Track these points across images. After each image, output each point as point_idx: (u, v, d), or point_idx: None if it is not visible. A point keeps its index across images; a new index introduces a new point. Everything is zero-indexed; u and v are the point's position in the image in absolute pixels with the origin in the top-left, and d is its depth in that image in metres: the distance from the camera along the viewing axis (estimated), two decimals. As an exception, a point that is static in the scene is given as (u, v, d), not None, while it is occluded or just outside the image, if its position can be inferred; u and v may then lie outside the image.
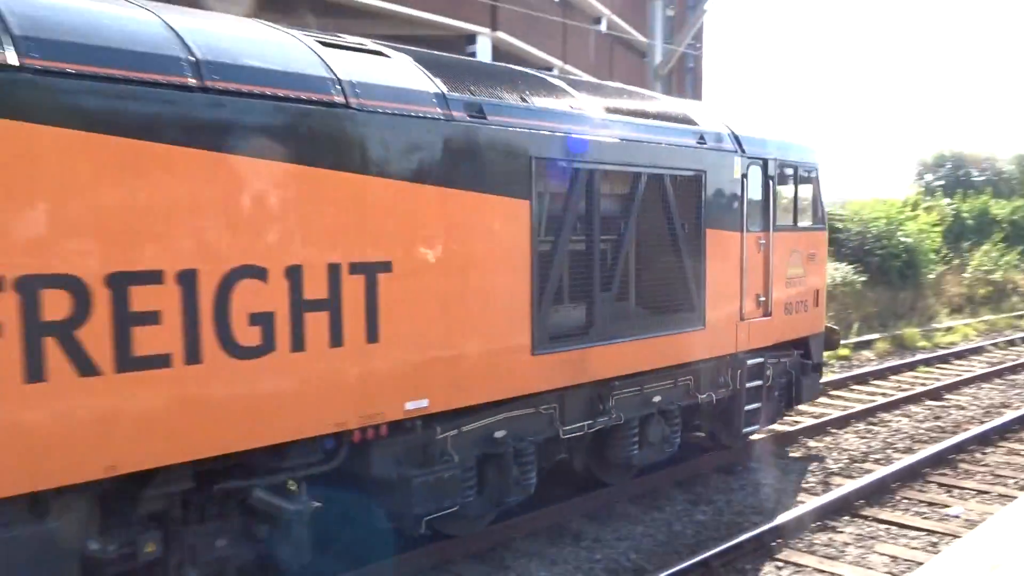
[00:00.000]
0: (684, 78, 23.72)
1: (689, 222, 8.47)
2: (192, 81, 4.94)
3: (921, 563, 6.38)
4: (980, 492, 9.22)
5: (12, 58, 4.27)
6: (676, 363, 8.48)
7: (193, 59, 5.01)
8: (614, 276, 7.67)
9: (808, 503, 8.47)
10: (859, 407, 12.61)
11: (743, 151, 9.34)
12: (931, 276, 24.17)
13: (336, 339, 5.60)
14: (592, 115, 7.65)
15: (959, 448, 10.61)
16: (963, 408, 13.08)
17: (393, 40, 7.65)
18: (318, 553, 5.99)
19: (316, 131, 5.46)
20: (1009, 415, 12.08)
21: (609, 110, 7.92)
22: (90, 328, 4.53)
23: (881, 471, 9.47)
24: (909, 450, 10.73)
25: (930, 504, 8.83)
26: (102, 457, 4.65)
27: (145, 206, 4.72)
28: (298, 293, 5.40)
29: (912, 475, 9.60)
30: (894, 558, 7.37)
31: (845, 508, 8.52)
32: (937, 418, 12.47)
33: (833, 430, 11.59)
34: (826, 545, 7.69)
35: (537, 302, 6.92)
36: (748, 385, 9.51)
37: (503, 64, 8.68)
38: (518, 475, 7.11)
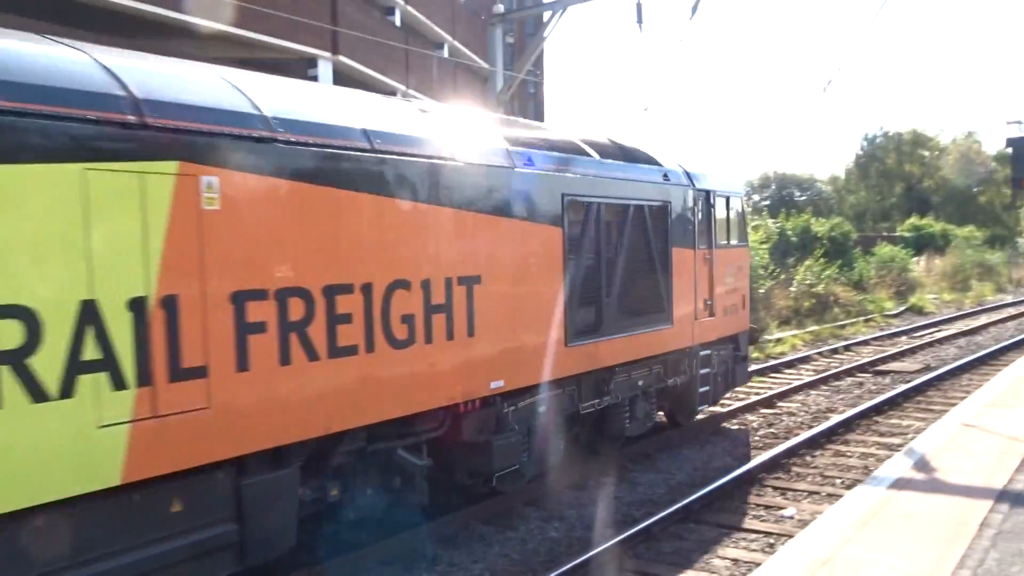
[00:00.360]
0: (527, 103, 24.18)
1: (660, 241, 10.72)
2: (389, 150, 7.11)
3: (759, 563, 6.68)
4: (811, 493, 9.77)
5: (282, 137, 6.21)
6: (654, 354, 10.79)
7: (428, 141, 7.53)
8: (613, 284, 9.80)
9: (655, 513, 8.71)
10: (700, 417, 13.10)
11: (693, 184, 11.68)
12: (761, 291, 25.53)
13: (450, 334, 7.54)
14: (596, 160, 9.87)
15: (791, 452, 11.21)
16: (794, 414, 13.85)
17: (231, 63, 7.48)
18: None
19: (440, 182, 7.49)
20: (835, 419, 12.88)
21: (604, 155, 10.07)
22: (315, 326, 6.34)
23: (721, 479, 9.87)
24: (745, 457, 11.25)
25: (767, 507, 9.27)
26: (322, 420, 6.47)
27: (345, 237, 6.60)
28: (428, 300, 7.29)
29: (750, 480, 10.08)
30: (735, 561, 7.70)
31: (688, 516, 8.83)
32: (771, 425, 13.14)
33: (677, 443, 12.00)
34: (673, 552, 7.94)
35: (568, 306, 9.01)
36: (701, 372, 11.84)
37: (536, 122, 11.35)
38: (555, 443, 9.28)
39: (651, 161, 11.08)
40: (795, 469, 10.73)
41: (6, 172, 4.67)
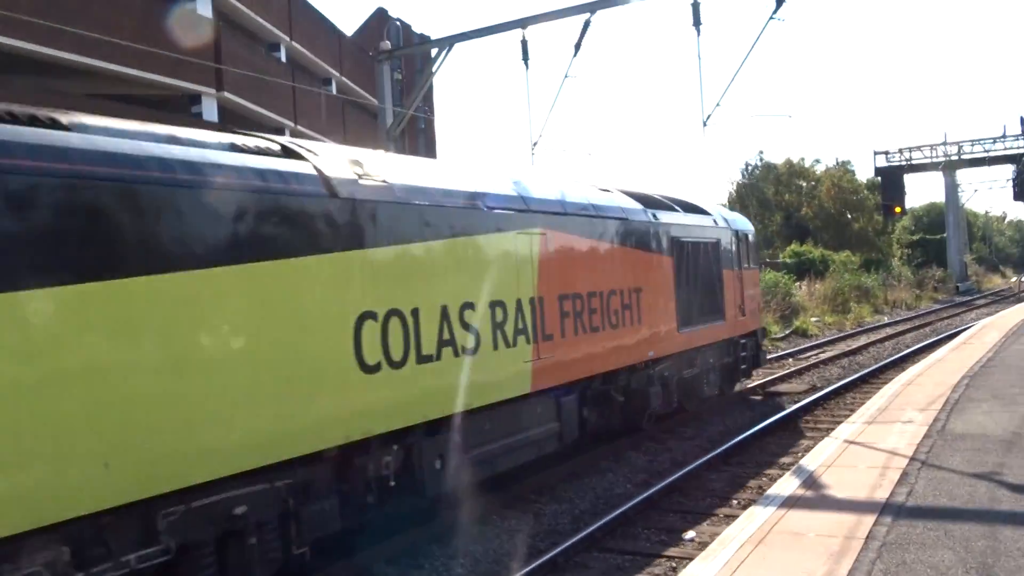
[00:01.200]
0: (417, 139, 24.23)
1: (716, 265, 15.89)
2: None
3: (663, 588, 6.77)
4: (710, 514, 9.99)
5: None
6: (717, 340, 15.89)
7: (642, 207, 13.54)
8: (695, 293, 14.77)
9: (558, 543, 8.73)
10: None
11: (729, 226, 17.03)
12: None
13: (632, 321, 12.50)
14: (682, 213, 15.13)
15: (690, 476, 11.44)
16: (692, 439, 14.14)
17: (110, 100, 7.25)
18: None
19: (623, 231, 12.60)
20: (730, 441, 13.22)
21: (685, 209, 15.39)
22: (585, 314, 11.17)
23: (623, 506, 9.98)
24: (645, 483, 11.41)
25: (668, 531, 9.42)
26: (587, 368, 11.22)
27: (596, 265, 12.01)
28: (622, 300, 12.22)
29: (651, 505, 10.23)
30: (640, 587, 7.77)
31: (593, 544, 8.88)
32: (670, 451, 13.39)
33: (580, 473, 12.07)
34: (578, 583, 7.96)
35: (677, 306, 14.06)
36: (740, 355, 17.02)
37: (653, 193, 15.19)
38: (671, 395, 14.27)
39: (707, 212, 16.39)
40: (694, 492, 10.95)
41: (522, 235, 10.11)
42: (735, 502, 10.42)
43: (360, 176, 7.94)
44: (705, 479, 11.56)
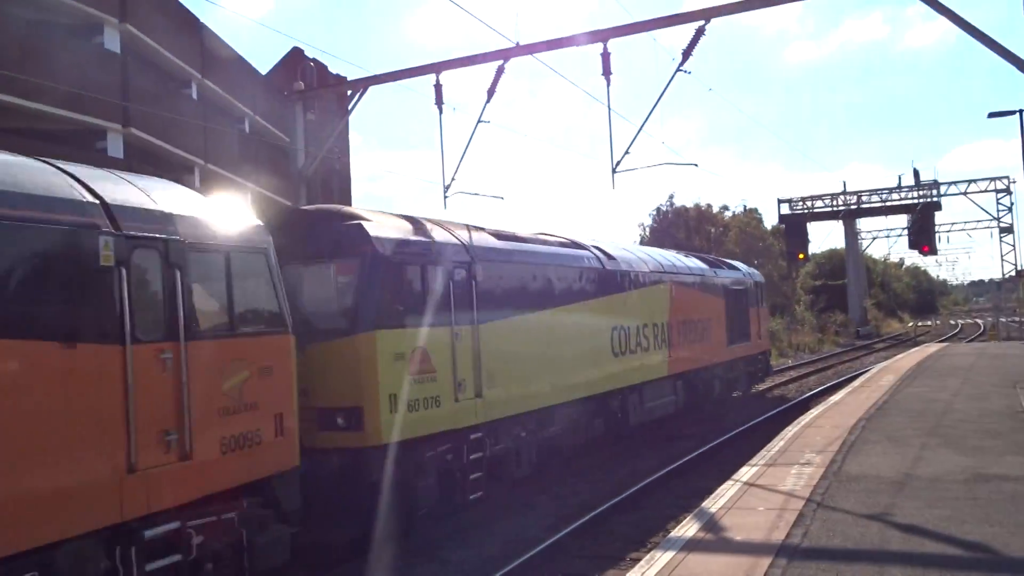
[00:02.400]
0: (331, 178, 24.06)
1: (745, 303, 24.66)
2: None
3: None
4: (616, 558, 10.04)
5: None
6: (748, 355, 24.82)
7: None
8: (734, 321, 23.32)
9: None
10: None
11: (751, 277, 26.46)
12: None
13: (708, 339, 21.60)
14: (726, 269, 24.67)
15: (598, 519, 11.50)
16: (600, 482, 14.22)
17: (6, 133, 7.04)
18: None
19: (702, 284, 22.11)
20: (638, 484, 13.34)
21: (727, 267, 25.00)
22: (688, 332, 20.44)
23: (530, 551, 9.94)
24: (554, 527, 11.40)
25: (573, 576, 9.42)
26: (689, 364, 20.52)
27: (695, 305, 21.27)
28: (702, 326, 21.12)
29: (559, 549, 10.23)
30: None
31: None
32: (577, 494, 13.43)
33: (492, 516, 12.00)
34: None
35: (727, 331, 22.80)
36: (759, 366, 26.23)
37: (713, 256, 27.00)
38: (721, 388, 22.87)
39: (739, 269, 25.91)
40: (600, 536, 10.99)
41: (662, 286, 19.13)
42: (639, 546, 10.50)
43: (614, 257, 17.17)
44: (613, 522, 11.62)
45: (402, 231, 11.11)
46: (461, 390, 11.37)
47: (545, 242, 14.88)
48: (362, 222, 10.52)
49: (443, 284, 11.19)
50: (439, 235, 11.68)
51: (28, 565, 5.87)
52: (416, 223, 11.65)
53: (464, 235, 12.26)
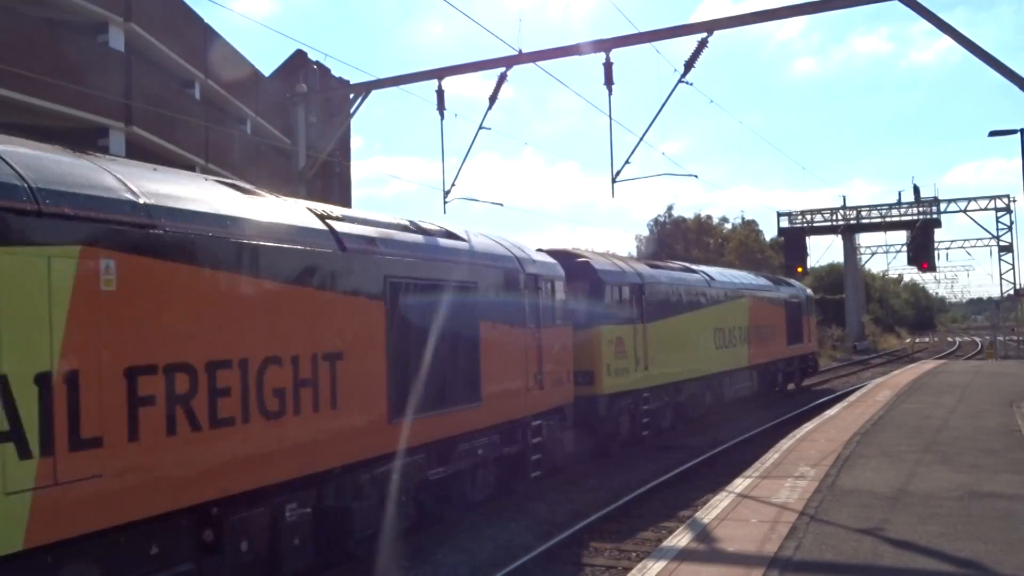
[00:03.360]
0: (331, 181, 24.09)
1: (799, 313, 31.31)
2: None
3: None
4: (608, 567, 10.03)
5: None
6: (801, 353, 31.65)
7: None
8: (792, 328, 30.13)
9: None
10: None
11: (804, 292, 33.25)
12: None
13: (774, 340, 28.63)
14: (774, 285, 30.29)
15: (589, 528, 11.49)
16: (594, 490, 14.22)
17: (11, 130, 7.05)
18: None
19: (770, 298, 29.16)
20: (631, 494, 13.33)
21: (775, 283, 30.74)
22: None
23: (522, 558, 9.93)
24: (547, 534, 11.38)
25: (564, 584, 9.41)
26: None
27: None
28: (769, 329, 28.00)
29: (550, 558, 10.21)
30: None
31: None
32: (572, 502, 13.42)
33: (479, 524, 12.00)
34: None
35: (786, 333, 29.70)
36: (809, 363, 32.99)
37: (775, 276, 33.81)
38: (782, 378, 30.21)
39: (794, 285, 31.76)
40: (593, 544, 10.98)
41: (742, 300, 26.08)
42: (633, 555, 10.49)
43: (715, 278, 23.70)
44: (606, 531, 11.60)
45: (607, 265, 17.94)
46: (638, 365, 17.97)
47: (676, 268, 22.43)
48: (589, 260, 17.34)
49: (628, 298, 18.04)
50: (625, 267, 18.69)
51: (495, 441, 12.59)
52: (611, 259, 18.98)
53: (636, 266, 19.52)
